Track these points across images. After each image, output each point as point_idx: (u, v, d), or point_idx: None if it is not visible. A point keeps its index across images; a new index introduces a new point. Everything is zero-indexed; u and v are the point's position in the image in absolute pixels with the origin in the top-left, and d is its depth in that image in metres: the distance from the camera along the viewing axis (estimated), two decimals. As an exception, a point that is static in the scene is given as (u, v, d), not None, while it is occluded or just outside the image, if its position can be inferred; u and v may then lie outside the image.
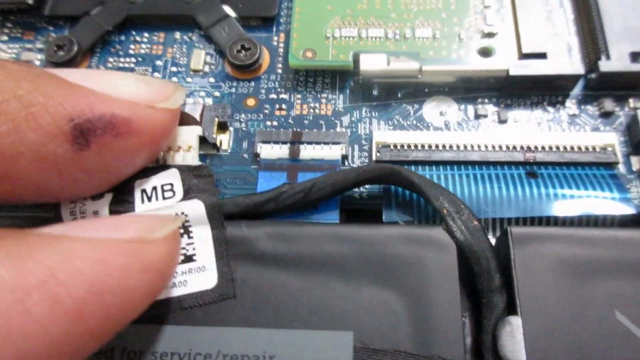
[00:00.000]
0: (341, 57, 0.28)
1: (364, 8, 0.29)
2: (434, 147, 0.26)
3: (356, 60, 0.28)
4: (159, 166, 0.25)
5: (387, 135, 0.26)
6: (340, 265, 0.23)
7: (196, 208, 0.23)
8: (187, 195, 0.24)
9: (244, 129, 0.28)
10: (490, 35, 0.28)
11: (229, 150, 0.27)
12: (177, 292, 0.22)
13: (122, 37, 0.31)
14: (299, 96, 0.29)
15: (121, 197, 0.24)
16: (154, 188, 0.24)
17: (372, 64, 0.27)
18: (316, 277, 0.22)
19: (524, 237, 0.22)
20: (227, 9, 0.31)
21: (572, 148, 0.25)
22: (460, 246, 0.22)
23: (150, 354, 0.21)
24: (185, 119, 0.26)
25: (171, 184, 0.24)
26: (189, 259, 0.23)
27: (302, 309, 0.22)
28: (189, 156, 0.26)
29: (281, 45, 0.30)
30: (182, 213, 0.23)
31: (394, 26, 0.29)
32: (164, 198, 0.24)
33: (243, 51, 0.29)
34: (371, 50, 0.28)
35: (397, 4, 0.29)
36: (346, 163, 0.27)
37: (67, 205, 0.24)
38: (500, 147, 0.26)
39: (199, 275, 0.23)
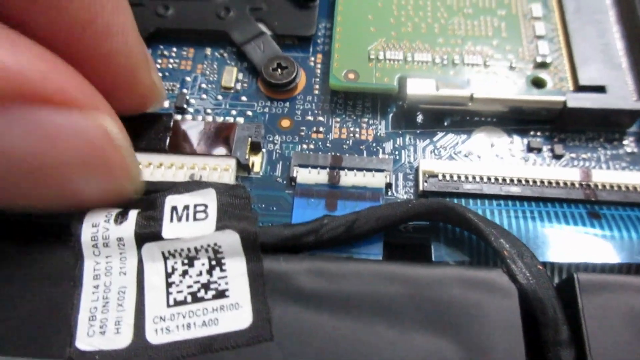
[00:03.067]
0: (385, 80, 0.26)
1: (409, 31, 0.28)
2: (485, 180, 0.24)
3: (402, 85, 0.26)
4: (193, 182, 0.23)
5: (434, 164, 0.25)
6: (389, 307, 0.20)
7: (231, 239, 0.21)
8: (221, 220, 0.22)
9: (278, 150, 0.26)
10: (543, 65, 0.27)
11: (262, 173, 0.25)
12: (207, 331, 0.20)
13: (149, 51, 0.29)
14: (338, 119, 0.27)
15: (148, 214, 0.22)
16: (186, 207, 0.22)
17: (420, 88, 0.25)
18: (362, 319, 0.20)
19: (592, 286, 0.20)
20: (263, 27, 0.29)
21: (634, 188, 0.24)
22: (522, 292, 0.20)
23: (177, 401, 0.19)
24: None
25: (205, 205, 0.22)
26: (221, 294, 0.21)
27: (348, 355, 0.20)
28: (226, 176, 0.24)
29: (318, 65, 0.29)
30: (216, 244, 0.21)
31: (441, 51, 0.27)
32: (195, 219, 0.22)
33: (279, 70, 0.27)
34: (417, 74, 0.26)
35: (444, 29, 0.28)
36: (389, 192, 0.25)
37: (88, 229, 0.21)
38: (558, 183, 0.24)
39: (232, 314, 0.20)
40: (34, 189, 0.18)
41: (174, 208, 0.22)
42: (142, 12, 0.29)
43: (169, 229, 0.21)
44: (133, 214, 0.22)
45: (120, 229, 0.22)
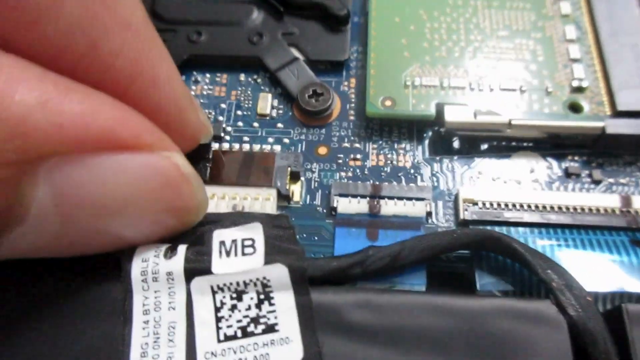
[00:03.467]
0: (422, 106, 0.26)
1: (443, 56, 0.28)
2: (525, 207, 0.24)
3: (439, 112, 0.26)
4: (237, 213, 0.23)
5: (474, 191, 0.25)
6: (438, 341, 0.20)
7: (279, 273, 0.21)
8: (270, 254, 0.22)
9: (316, 179, 0.26)
10: (579, 89, 0.27)
11: (301, 202, 0.26)
12: (258, 366, 0.20)
13: (183, 77, 0.29)
14: (374, 146, 0.27)
15: (197, 249, 0.22)
16: (234, 242, 0.22)
17: (457, 115, 0.26)
18: (411, 352, 0.20)
19: (641, 316, 0.20)
20: (295, 52, 0.29)
21: (676, 214, 0.24)
22: (572, 323, 0.20)
23: None
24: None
25: (252, 239, 0.22)
26: (270, 328, 0.21)
27: (400, 390, 0.20)
28: (268, 205, 0.24)
29: (352, 90, 0.29)
30: (264, 278, 0.21)
31: (476, 76, 0.27)
32: (243, 254, 0.22)
33: (315, 97, 0.27)
34: (453, 100, 0.26)
35: (478, 52, 0.28)
36: (430, 220, 0.25)
37: (138, 264, 0.22)
38: (598, 210, 0.24)
39: (282, 348, 0.21)
40: (112, 233, 0.19)
41: (222, 243, 0.22)
42: (175, 39, 0.30)
43: (218, 263, 0.22)
44: (182, 249, 0.22)
45: (169, 263, 0.22)
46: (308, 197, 0.26)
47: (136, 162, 0.17)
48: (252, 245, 0.22)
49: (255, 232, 0.22)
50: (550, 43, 0.28)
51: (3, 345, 0.20)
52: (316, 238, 0.25)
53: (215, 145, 0.26)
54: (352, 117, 0.28)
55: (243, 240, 0.22)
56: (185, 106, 0.21)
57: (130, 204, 0.18)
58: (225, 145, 0.27)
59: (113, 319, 0.21)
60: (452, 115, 0.26)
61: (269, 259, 0.22)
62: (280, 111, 0.28)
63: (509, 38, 0.28)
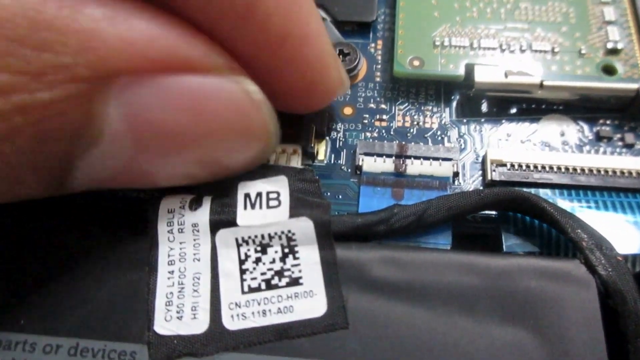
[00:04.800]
0: (451, 67, 0.26)
1: (474, 16, 0.27)
2: (554, 169, 0.24)
3: (469, 72, 0.26)
4: (263, 166, 0.23)
5: (502, 153, 0.24)
6: (464, 298, 0.20)
7: (305, 227, 0.21)
8: (295, 207, 0.22)
9: (341, 139, 0.26)
10: (613, 51, 0.26)
11: (326, 161, 0.25)
12: (282, 318, 0.20)
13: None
14: (401, 107, 0.27)
15: (222, 201, 0.22)
16: (259, 194, 0.22)
17: (488, 76, 0.25)
18: (437, 308, 0.20)
19: (673, 277, 0.20)
20: (322, 13, 0.29)
21: None
22: (601, 282, 0.20)
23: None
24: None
25: (277, 192, 0.22)
26: (294, 282, 0.21)
27: (425, 346, 0.20)
28: (294, 160, 0.24)
29: (379, 52, 0.28)
30: (289, 231, 0.21)
31: (507, 37, 0.27)
32: (268, 207, 0.22)
33: (341, 56, 0.27)
34: (483, 61, 0.26)
35: (510, 15, 0.27)
36: (456, 182, 0.25)
37: (164, 215, 0.22)
38: (630, 172, 0.23)
39: (306, 301, 0.21)
40: (182, 160, 0.19)
41: (247, 195, 0.22)
42: None
43: (243, 216, 0.22)
44: (207, 200, 0.22)
45: (195, 215, 0.22)
46: (333, 156, 0.26)
47: (205, 85, 0.17)
48: (277, 199, 0.22)
49: (281, 185, 0.22)
50: (584, 5, 0.27)
51: (28, 295, 0.21)
52: (340, 197, 0.25)
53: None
54: (378, 79, 0.28)
55: (268, 193, 0.22)
56: (329, 62, 0.21)
57: (198, 129, 0.17)
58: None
59: (138, 268, 0.21)
60: (482, 76, 0.25)
61: (294, 212, 0.21)
62: (305, 71, 0.28)
63: (541, 0, 0.28)
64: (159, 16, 0.16)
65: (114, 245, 0.22)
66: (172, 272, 0.21)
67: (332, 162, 0.25)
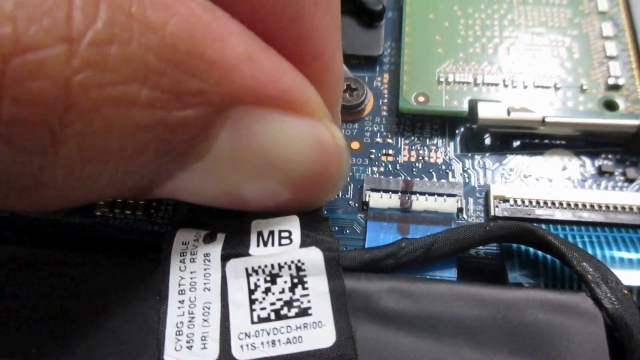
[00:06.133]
0: (455, 103, 0.27)
1: (477, 52, 0.28)
2: (557, 205, 0.24)
3: (472, 107, 0.26)
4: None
5: (505, 188, 0.25)
6: (471, 329, 0.20)
7: (314, 257, 0.22)
8: (304, 243, 0.22)
9: (349, 173, 0.26)
10: (615, 87, 0.27)
11: (335, 196, 0.26)
12: (291, 349, 0.20)
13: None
14: (406, 141, 0.27)
15: (235, 237, 0.22)
16: (271, 232, 0.22)
17: (491, 112, 0.26)
18: (444, 340, 0.20)
19: (677, 311, 0.20)
20: (329, 48, 0.29)
21: None
22: (607, 316, 0.20)
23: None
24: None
25: (289, 231, 0.22)
26: (303, 312, 0.21)
27: (432, 377, 0.20)
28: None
29: (385, 86, 0.29)
30: (299, 261, 0.22)
31: (510, 73, 0.27)
32: (280, 244, 0.22)
33: (349, 91, 0.28)
34: (486, 97, 0.27)
35: (513, 50, 0.28)
36: (460, 217, 0.25)
37: (178, 245, 0.22)
38: (631, 208, 0.24)
39: (315, 332, 0.21)
40: (268, 187, 0.20)
41: (260, 233, 0.22)
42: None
43: (254, 251, 0.22)
44: (221, 236, 0.22)
45: (207, 246, 0.22)
46: (340, 191, 0.26)
47: (303, 125, 0.18)
48: (289, 237, 0.22)
49: (292, 225, 0.23)
50: (587, 40, 0.28)
51: (37, 325, 0.21)
52: (347, 231, 0.25)
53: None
54: (384, 113, 0.28)
55: (280, 231, 0.23)
56: (340, 92, 0.22)
57: (286, 163, 0.19)
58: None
59: (149, 298, 0.21)
60: (485, 112, 0.26)
61: (304, 244, 0.22)
62: (314, 105, 0.29)
63: (544, 35, 0.29)
64: (281, 58, 0.18)
65: (124, 275, 0.22)
66: (182, 302, 0.21)
67: (340, 197, 0.26)
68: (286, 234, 0.22)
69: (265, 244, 0.22)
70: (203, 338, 0.21)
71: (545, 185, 0.26)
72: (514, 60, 0.28)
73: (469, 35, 0.29)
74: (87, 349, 0.20)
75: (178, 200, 0.23)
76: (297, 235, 0.22)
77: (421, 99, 0.27)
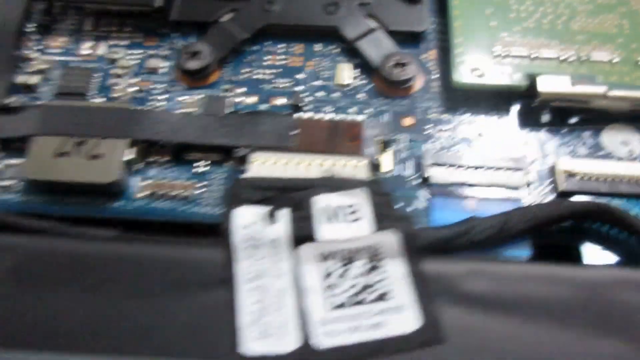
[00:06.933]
0: (510, 77, 0.26)
1: (530, 27, 0.27)
2: (623, 179, 0.24)
3: (530, 81, 0.25)
4: (333, 179, 0.22)
5: (572, 163, 0.24)
6: (558, 311, 0.20)
7: (390, 240, 0.21)
8: (380, 221, 0.21)
9: (405, 149, 0.25)
10: (670, 61, 0.26)
11: (390, 172, 0.25)
12: (374, 335, 0.19)
13: (256, 47, 0.28)
14: (461, 117, 0.26)
15: (298, 215, 0.21)
16: (337, 208, 0.21)
17: (551, 86, 0.25)
18: (533, 321, 0.20)
19: None
20: (373, 23, 0.28)
21: None
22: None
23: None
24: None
25: (357, 206, 0.21)
26: (382, 297, 0.20)
27: (526, 358, 0.19)
28: (359, 173, 0.23)
29: (432, 62, 0.28)
30: (375, 245, 0.21)
31: (565, 48, 0.27)
32: (348, 221, 0.21)
33: (399, 67, 0.27)
34: (541, 71, 0.26)
35: (566, 25, 0.27)
36: (527, 191, 0.24)
37: (239, 230, 0.21)
38: (696, 182, 0.24)
39: (397, 317, 0.20)
40: None
41: (325, 209, 0.21)
42: (248, 8, 0.29)
43: (323, 230, 0.21)
44: (284, 213, 0.21)
45: (274, 230, 0.21)
46: (397, 167, 0.25)
47: None
48: (357, 212, 0.21)
49: (359, 198, 0.22)
50: (637, 16, 0.28)
51: (105, 317, 0.19)
52: (408, 209, 0.24)
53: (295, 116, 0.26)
54: (435, 89, 0.27)
55: (347, 206, 0.21)
56: None
57: None
58: (306, 116, 0.26)
59: (216, 286, 0.20)
60: (545, 86, 0.25)
61: (380, 226, 0.21)
62: (360, 82, 0.27)
63: (596, 11, 0.28)
64: None
65: (187, 262, 0.21)
66: (252, 290, 0.20)
67: (398, 173, 0.25)
68: (354, 209, 0.21)
69: (332, 221, 0.21)
70: (280, 326, 0.19)
71: (608, 160, 0.25)
72: (567, 35, 0.27)
73: (520, 9, 0.28)
74: (157, 342, 0.19)
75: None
76: (366, 210, 0.21)
77: (476, 73, 0.26)
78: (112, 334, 0.19)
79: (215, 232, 0.22)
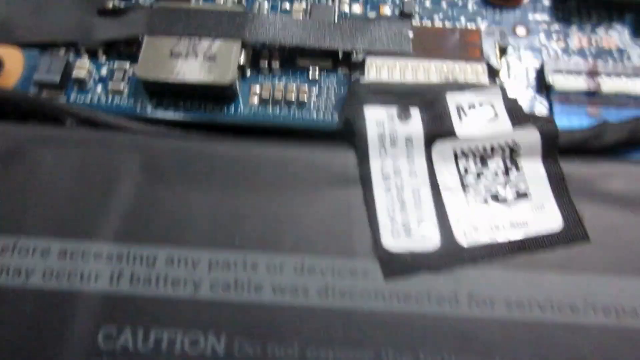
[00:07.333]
0: (632, -18, 0.25)
1: None
2: None
3: (653, -12, 0.24)
4: (460, 85, 0.21)
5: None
6: None
7: (530, 137, 0.20)
8: (518, 118, 0.20)
9: (519, 57, 0.25)
10: None
11: (509, 79, 0.24)
12: (516, 233, 0.19)
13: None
14: (573, 28, 0.25)
15: (433, 112, 0.20)
16: (472, 106, 0.21)
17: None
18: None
19: None
20: None
21: None
22: None
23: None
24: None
25: (492, 104, 0.21)
26: (522, 195, 0.20)
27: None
28: (482, 79, 0.23)
29: (540, -29, 0.27)
30: (513, 142, 0.20)
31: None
32: (485, 118, 0.20)
33: (510, -26, 0.26)
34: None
35: None
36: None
37: (373, 127, 0.20)
38: None
39: (538, 215, 0.19)
40: None
41: (459, 107, 0.21)
42: None
43: (460, 127, 0.20)
44: (415, 112, 0.21)
45: (407, 126, 0.20)
46: (514, 74, 0.24)
47: None
48: (493, 110, 0.21)
49: (494, 97, 0.21)
50: None
51: (238, 213, 0.19)
52: (529, 115, 0.23)
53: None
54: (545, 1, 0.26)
55: (481, 104, 0.21)
56: None
57: None
58: (416, 24, 0.25)
59: (349, 184, 0.20)
60: (671, -9, 0.24)
61: (517, 123, 0.20)
62: (468, -10, 0.26)
63: None
64: None
65: (318, 161, 0.20)
66: (389, 188, 0.20)
67: (517, 78, 0.24)
68: (489, 107, 0.21)
69: (469, 119, 0.20)
70: (420, 224, 0.19)
71: None
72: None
73: None
74: (294, 238, 0.18)
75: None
76: (501, 109, 0.21)
77: (593, -22, 0.25)
78: (246, 230, 0.19)
79: (333, 139, 0.22)
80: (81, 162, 0.20)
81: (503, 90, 0.21)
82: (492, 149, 0.20)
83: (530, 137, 0.20)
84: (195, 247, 0.18)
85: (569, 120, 0.23)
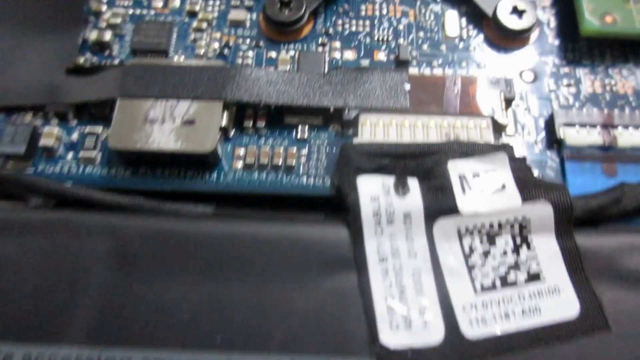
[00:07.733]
0: (646, 23, 0.23)
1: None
2: None
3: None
4: (461, 144, 0.19)
5: None
6: None
7: (541, 212, 0.18)
8: (528, 190, 0.18)
9: (526, 107, 0.23)
10: None
11: (517, 133, 0.22)
12: (530, 321, 0.17)
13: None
14: (585, 70, 0.23)
15: (433, 184, 0.18)
16: (476, 175, 0.19)
17: (699, 32, 0.22)
18: None
19: None
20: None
21: None
22: None
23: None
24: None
25: (497, 173, 0.19)
26: (534, 277, 0.18)
27: None
28: (487, 135, 0.21)
29: (548, 10, 0.25)
30: (523, 218, 0.18)
31: None
32: (491, 190, 0.18)
33: (516, 14, 0.24)
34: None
35: None
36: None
37: (368, 202, 0.18)
38: None
39: (553, 300, 0.17)
40: None
41: (462, 177, 0.19)
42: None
43: (464, 201, 0.18)
44: (414, 184, 0.19)
45: (405, 202, 0.18)
46: (521, 127, 0.22)
47: None
48: (499, 179, 0.19)
49: (500, 165, 0.19)
50: None
51: (225, 310, 0.17)
52: (541, 175, 0.21)
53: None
54: (553, 39, 0.24)
55: (487, 172, 0.19)
56: None
57: None
58: (414, 71, 0.23)
59: (344, 268, 0.18)
60: (690, 32, 0.22)
61: (527, 195, 0.18)
62: (470, 32, 0.24)
63: None
64: None
65: (307, 241, 0.18)
66: (386, 271, 0.18)
67: (523, 132, 0.22)
68: (495, 176, 0.19)
69: (472, 192, 0.18)
70: (421, 314, 0.17)
71: None
72: None
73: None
74: (285, 335, 0.17)
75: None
76: (508, 178, 0.19)
77: (608, 19, 0.23)
78: (229, 326, 0.17)
79: (324, 206, 0.20)
80: (46, 253, 0.18)
81: (510, 150, 0.19)
82: (500, 225, 0.18)
83: (542, 210, 0.18)
84: (173, 348, 0.17)
85: (582, 180, 0.21)
